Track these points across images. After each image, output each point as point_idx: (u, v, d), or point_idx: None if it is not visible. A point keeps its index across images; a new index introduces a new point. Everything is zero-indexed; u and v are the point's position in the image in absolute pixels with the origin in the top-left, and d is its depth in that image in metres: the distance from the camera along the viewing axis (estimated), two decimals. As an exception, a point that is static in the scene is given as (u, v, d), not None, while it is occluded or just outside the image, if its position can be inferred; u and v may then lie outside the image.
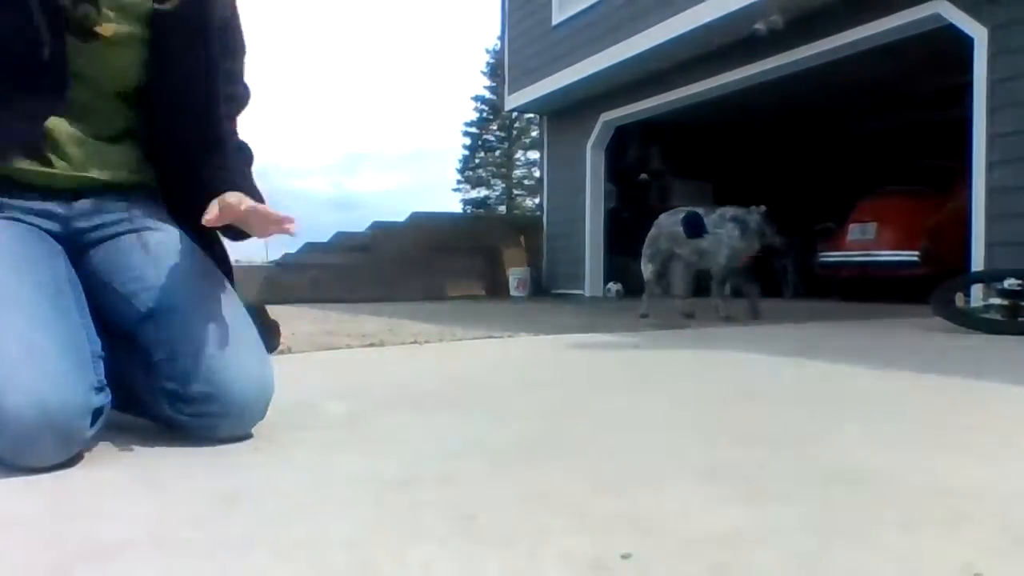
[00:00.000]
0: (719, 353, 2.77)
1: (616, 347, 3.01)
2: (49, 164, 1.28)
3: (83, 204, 1.32)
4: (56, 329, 1.10)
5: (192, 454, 1.15)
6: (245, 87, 1.51)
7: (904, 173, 7.72)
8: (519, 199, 38.57)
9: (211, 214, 1.20)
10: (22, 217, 1.26)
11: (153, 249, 1.32)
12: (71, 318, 1.14)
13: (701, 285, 5.35)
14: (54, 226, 1.29)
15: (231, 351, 1.22)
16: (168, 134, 1.40)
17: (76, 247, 1.30)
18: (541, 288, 9.91)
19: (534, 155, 35.61)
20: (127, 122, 1.39)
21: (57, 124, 1.28)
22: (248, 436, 1.24)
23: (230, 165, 1.41)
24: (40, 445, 1.00)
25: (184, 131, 1.39)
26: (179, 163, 1.41)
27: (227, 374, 1.20)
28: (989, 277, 4.47)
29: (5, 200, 1.25)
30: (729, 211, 4.58)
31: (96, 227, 1.33)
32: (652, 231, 5.03)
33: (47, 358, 1.04)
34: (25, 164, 1.26)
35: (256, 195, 1.33)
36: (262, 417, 1.25)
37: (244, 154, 1.49)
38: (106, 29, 1.27)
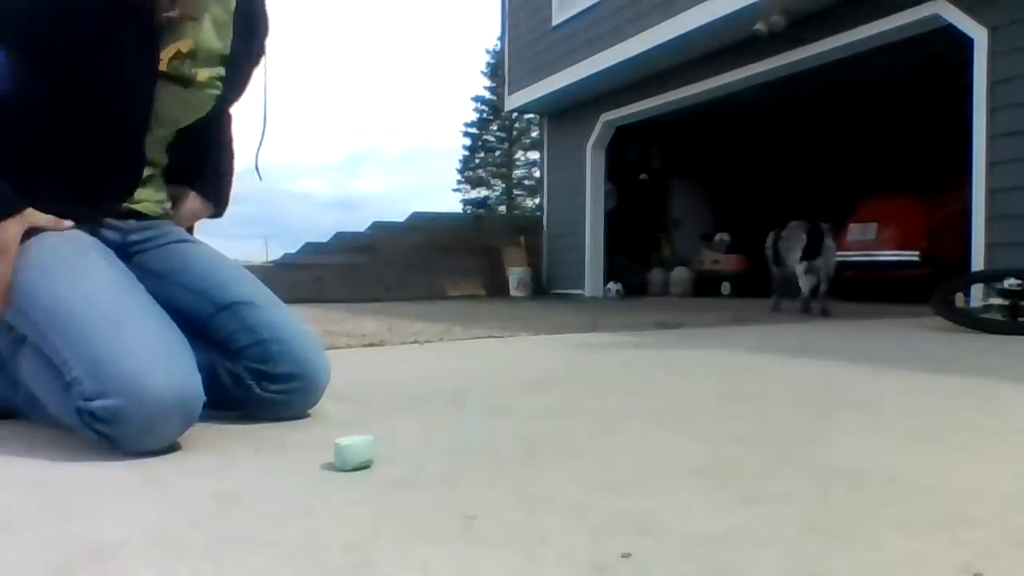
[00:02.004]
0: (719, 353, 2.77)
1: (616, 347, 3.01)
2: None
3: (133, 222, 1.48)
4: (174, 329, 1.26)
5: (192, 454, 1.15)
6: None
7: (904, 173, 7.72)
8: (519, 199, 38.60)
9: None
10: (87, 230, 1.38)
11: (209, 254, 1.52)
12: (171, 320, 1.28)
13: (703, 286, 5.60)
14: (113, 236, 1.42)
15: (305, 336, 1.44)
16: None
17: (126, 255, 1.43)
18: (541, 288, 9.91)
19: (534, 155, 35.65)
20: (166, 154, 1.53)
21: None
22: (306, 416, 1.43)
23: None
24: (170, 423, 1.15)
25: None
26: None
27: (308, 355, 1.41)
28: (989, 277, 4.47)
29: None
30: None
31: (148, 239, 1.48)
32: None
33: (180, 353, 1.21)
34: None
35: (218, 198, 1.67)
36: (323, 393, 1.45)
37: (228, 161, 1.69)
38: (202, 75, 1.42)
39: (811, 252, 5.09)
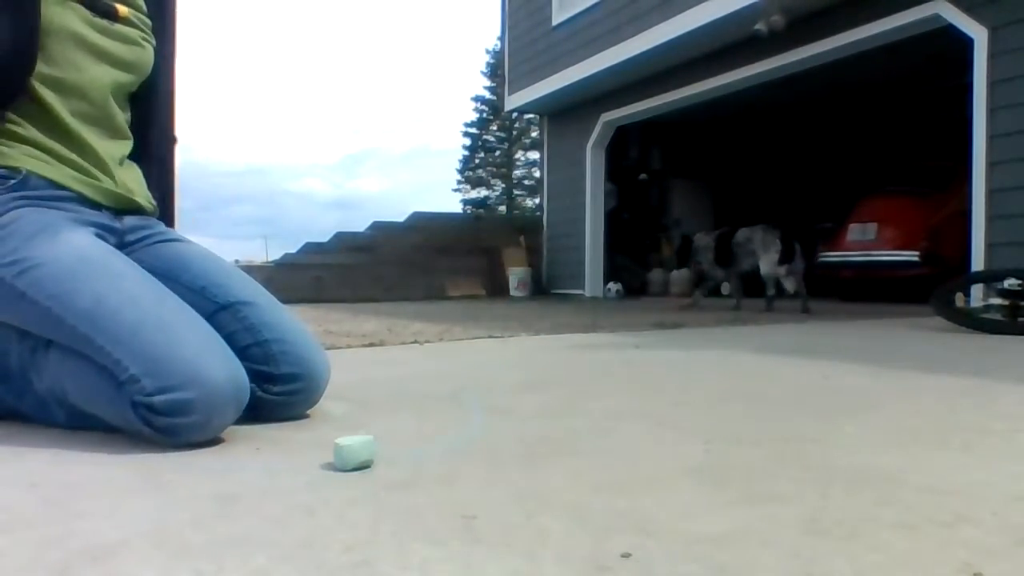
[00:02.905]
0: (719, 353, 2.77)
1: (616, 347, 3.01)
2: (97, 180, 1.43)
3: (130, 220, 1.48)
4: (205, 322, 1.28)
5: (192, 454, 1.15)
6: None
7: (904, 173, 7.72)
8: (519, 199, 38.62)
9: None
10: (97, 234, 1.39)
11: (204, 253, 1.52)
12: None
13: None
14: (112, 239, 1.42)
15: (305, 336, 1.44)
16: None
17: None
18: (541, 288, 9.92)
19: (534, 155, 35.69)
20: (128, 132, 1.54)
21: (102, 144, 1.45)
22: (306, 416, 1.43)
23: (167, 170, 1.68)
24: (227, 412, 1.19)
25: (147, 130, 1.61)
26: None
27: (309, 355, 1.41)
28: (989, 277, 4.47)
29: (81, 216, 1.38)
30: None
31: (143, 238, 1.49)
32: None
33: (223, 343, 1.25)
34: (79, 184, 1.40)
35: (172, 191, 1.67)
36: (324, 392, 1.45)
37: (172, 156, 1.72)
38: (122, 10, 1.45)
39: (789, 255, 5.49)
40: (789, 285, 5.56)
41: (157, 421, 1.15)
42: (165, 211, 1.66)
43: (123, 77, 1.48)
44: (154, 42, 1.55)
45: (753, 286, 6.01)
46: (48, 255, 1.25)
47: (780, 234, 5.53)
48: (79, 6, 1.38)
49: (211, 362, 1.18)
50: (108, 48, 1.43)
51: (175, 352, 1.17)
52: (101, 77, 1.43)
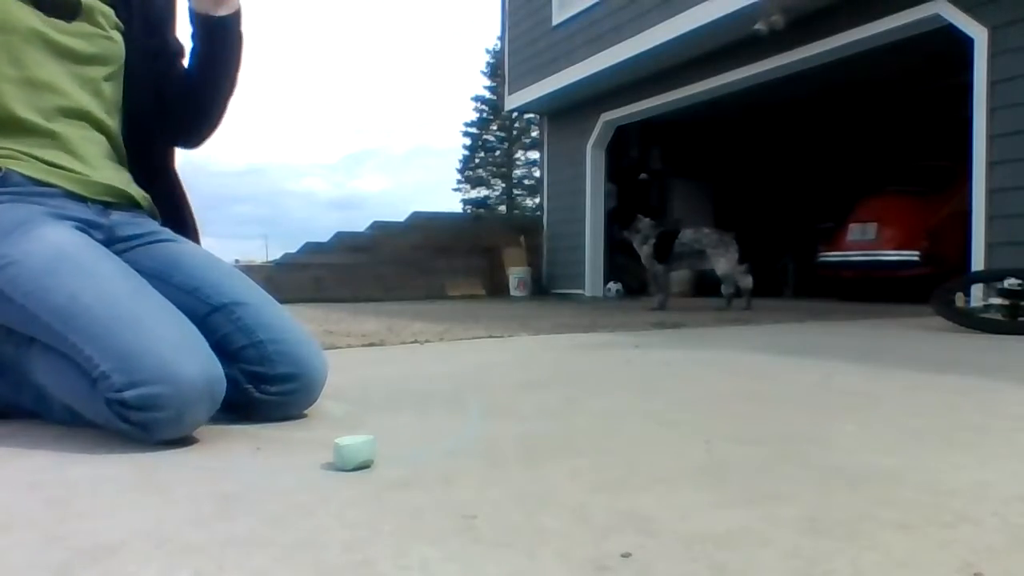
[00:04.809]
0: (719, 353, 2.77)
1: (616, 347, 3.01)
2: (78, 174, 1.42)
3: (119, 216, 1.47)
4: (185, 317, 1.27)
5: (192, 454, 1.15)
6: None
7: (904, 173, 7.72)
8: (519, 199, 38.66)
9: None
10: (78, 228, 1.37)
11: (198, 253, 1.51)
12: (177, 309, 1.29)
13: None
14: (98, 235, 1.40)
15: (301, 334, 1.43)
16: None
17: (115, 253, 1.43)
18: (541, 288, 9.91)
19: (534, 155, 35.72)
20: (109, 127, 1.53)
21: (80, 137, 1.44)
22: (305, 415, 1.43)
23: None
24: (199, 409, 1.18)
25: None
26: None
27: (305, 355, 1.40)
28: (989, 277, 4.48)
29: (63, 211, 1.37)
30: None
31: (133, 236, 1.47)
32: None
33: (199, 339, 1.24)
34: (60, 179, 1.39)
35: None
36: (321, 392, 1.44)
37: None
38: (85, 2, 1.44)
39: (744, 257, 5.83)
40: (745, 284, 5.77)
41: (132, 416, 1.14)
42: (183, 223, 1.65)
43: (89, 71, 1.47)
44: (123, 27, 1.53)
45: (757, 287, 6.15)
46: (25, 252, 1.24)
47: (735, 235, 5.79)
48: (32, 7, 1.38)
49: (183, 358, 1.17)
50: (68, 44, 1.43)
51: (146, 348, 1.16)
52: (66, 72, 1.43)
